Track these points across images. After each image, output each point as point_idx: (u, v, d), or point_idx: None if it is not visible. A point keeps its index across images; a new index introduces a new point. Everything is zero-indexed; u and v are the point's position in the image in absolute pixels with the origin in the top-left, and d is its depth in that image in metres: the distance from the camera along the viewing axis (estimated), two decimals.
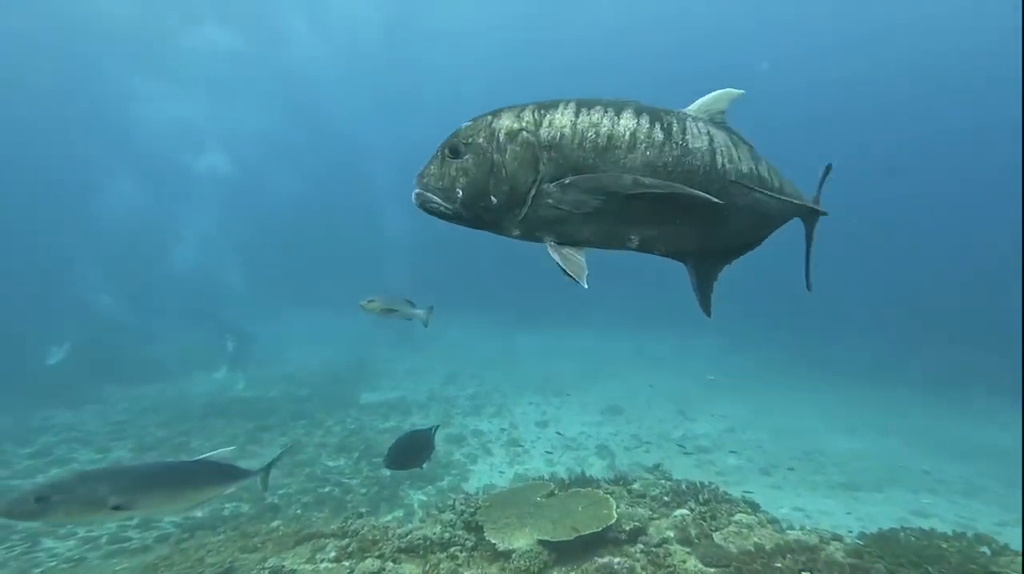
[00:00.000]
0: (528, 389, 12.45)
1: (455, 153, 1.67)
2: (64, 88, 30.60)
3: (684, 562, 3.77)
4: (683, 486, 4.96)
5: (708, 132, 1.69)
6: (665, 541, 4.06)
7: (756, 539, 4.01)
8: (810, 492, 7.82)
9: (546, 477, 6.09)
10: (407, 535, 4.17)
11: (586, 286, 1.63)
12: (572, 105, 1.66)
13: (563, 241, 1.70)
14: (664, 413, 11.14)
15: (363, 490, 7.23)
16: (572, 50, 34.39)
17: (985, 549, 3.84)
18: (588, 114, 1.63)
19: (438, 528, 4.25)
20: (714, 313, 1.85)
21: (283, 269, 29.60)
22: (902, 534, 4.11)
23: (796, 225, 2.10)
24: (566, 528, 4.00)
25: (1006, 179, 27.56)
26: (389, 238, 26.13)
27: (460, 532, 4.23)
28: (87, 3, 25.52)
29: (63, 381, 12.18)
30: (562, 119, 1.63)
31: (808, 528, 4.40)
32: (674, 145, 1.62)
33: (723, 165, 1.68)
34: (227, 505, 6.60)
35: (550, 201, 1.63)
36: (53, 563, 5.31)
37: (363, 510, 5.77)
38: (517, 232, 1.71)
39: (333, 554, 4.15)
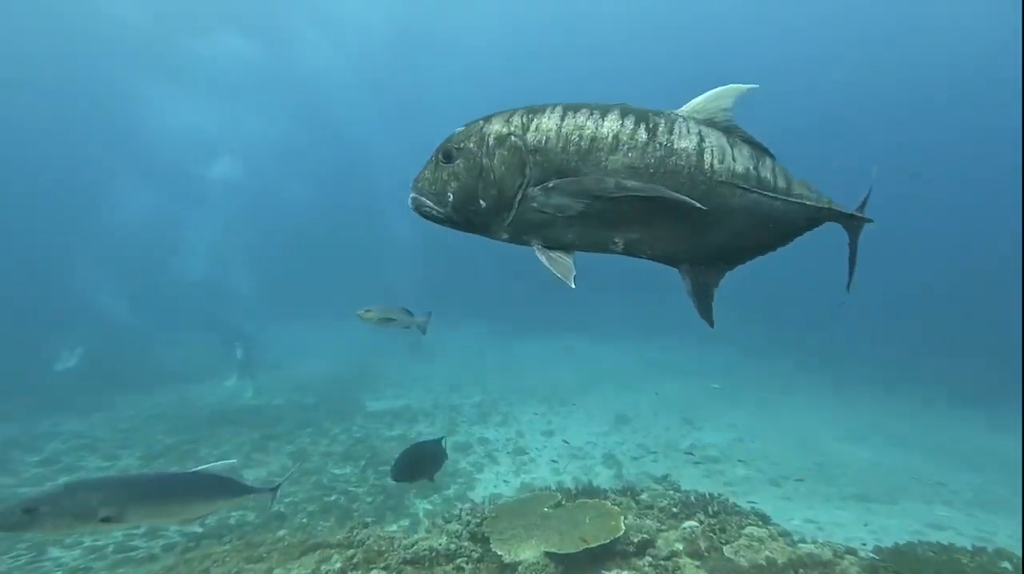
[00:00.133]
0: (534, 397, 12.38)
1: (448, 158, 1.69)
2: (79, 94, 31.24)
3: None
4: (692, 497, 4.88)
5: (699, 132, 1.65)
6: (674, 554, 3.99)
7: (768, 553, 3.93)
8: (822, 503, 7.68)
9: (553, 487, 6.03)
10: (413, 546, 4.12)
11: (573, 286, 1.64)
12: (559, 109, 1.66)
13: (549, 244, 1.71)
14: (670, 422, 11.02)
15: (369, 499, 7.19)
16: (580, 56, 34.64)
17: (1007, 565, 3.73)
18: (574, 117, 1.63)
19: (444, 539, 4.21)
20: (720, 322, 1.80)
21: (292, 276, 29.77)
22: (920, 548, 4.02)
23: (814, 233, 1.97)
24: (573, 540, 3.94)
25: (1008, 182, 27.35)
26: (397, 245, 26.22)
27: (466, 543, 4.18)
28: (103, 12, 26.06)
29: (72, 387, 12.28)
30: (548, 123, 1.63)
31: (821, 541, 4.31)
32: (658, 146, 1.60)
33: (711, 165, 1.63)
34: (233, 514, 6.58)
35: (535, 205, 1.64)
36: (59, 573, 5.31)
37: (368, 520, 5.72)
38: (505, 236, 1.72)
39: (339, 565, 4.11)
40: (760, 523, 4.45)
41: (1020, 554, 3.86)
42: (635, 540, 4.05)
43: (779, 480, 8.41)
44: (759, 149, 1.75)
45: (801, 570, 3.59)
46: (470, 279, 25.27)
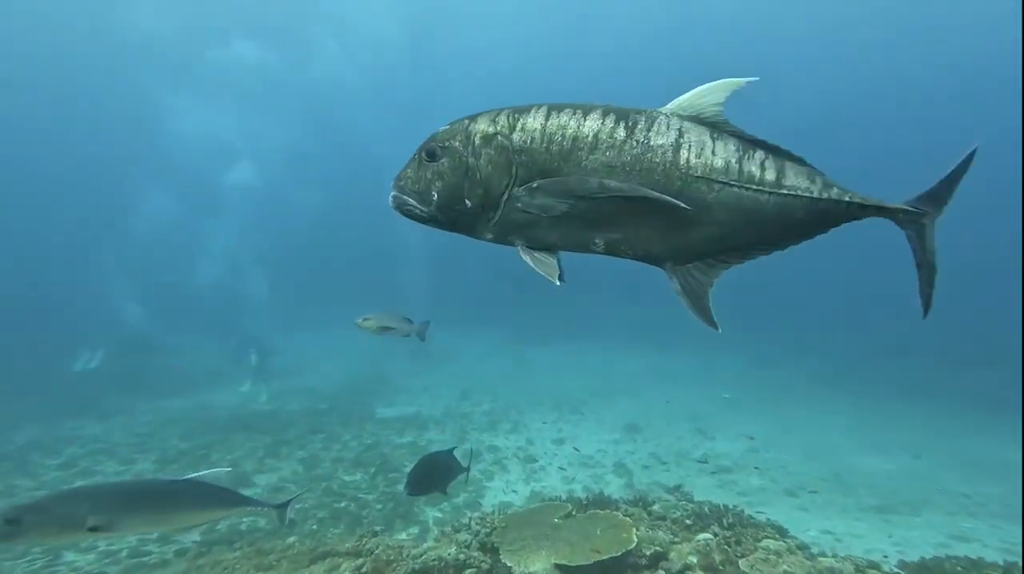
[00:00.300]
0: (544, 405, 12.29)
1: (432, 156, 1.68)
2: (113, 104, 32.10)
3: None
4: (706, 508, 4.78)
5: (679, 128, 1.62)
6: (688, 567, 3.90)
7: (785, 567, 3.83)
8: (839, 514, 7.49)
9: (563, 496, 5.96)
10: (422, 556, 4.09)
11: (558, 283, 1.64)
12: (544, 108, 1.66)
13: (532, 245, 1.70)
14: (682, 431, 10.87)
15: (379, 506, 7.19)
16: (595, 63, 34.68)
17: None
18: (557, 117, 1.63)
19: (453, 549, 4.16)
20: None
21: (307, 282, 30.06)
22: (947, 563, 3.87)
23: (831, 235, 1.76)
24: (584, 552, 3.88)
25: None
26: (410, 252, 26.33)
27: (476, 553, 4.13)
28: (123, 20, 26.79)
29: (94, 390, 12.53)
30: (534, 123, 1.63)
31: (841, 555, 4.19)
32: (635, 143, 1.59)
33: (687, 160, 1.59)
34: (244, 519, 6.61)
35: (519, 205, 1.63)
36: None
37: (378, 528, 5.71)
38: (490, 236, 1.72)
39: None
40: (777, 535, 4.34)
41: None
42: (647, 553, 3.96)
43: (795, 490, 8.24)
44: (749, 142, 1.65)
45: None
46: (482, 286, 25.26)
